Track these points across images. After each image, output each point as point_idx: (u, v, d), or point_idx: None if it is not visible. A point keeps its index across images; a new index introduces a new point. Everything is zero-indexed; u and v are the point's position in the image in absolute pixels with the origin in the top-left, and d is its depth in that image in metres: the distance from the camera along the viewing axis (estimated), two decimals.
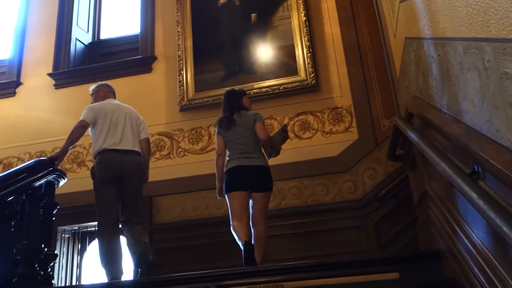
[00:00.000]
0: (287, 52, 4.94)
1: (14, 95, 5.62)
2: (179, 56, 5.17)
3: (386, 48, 3.50)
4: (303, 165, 4.53)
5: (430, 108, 2.20)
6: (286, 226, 4.31)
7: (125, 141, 3.54)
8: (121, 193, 3.44)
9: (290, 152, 4.59)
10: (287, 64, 4.90)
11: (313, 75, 4.76)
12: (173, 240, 4.44)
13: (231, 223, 3.26)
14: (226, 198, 3.34)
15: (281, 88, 4.81)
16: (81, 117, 3.59)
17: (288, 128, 4.62)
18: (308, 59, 4.82)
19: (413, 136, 2.27)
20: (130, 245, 3.36)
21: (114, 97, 3.94)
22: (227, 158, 3.45)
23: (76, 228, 4.83)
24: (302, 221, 4.31)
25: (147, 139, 3.78)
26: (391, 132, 3.04)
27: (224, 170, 3.41)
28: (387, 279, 2.29)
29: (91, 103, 3.88)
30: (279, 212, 4.38)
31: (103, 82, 4.03)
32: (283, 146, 3.63)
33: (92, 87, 3.99)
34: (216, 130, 3.56)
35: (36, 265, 2.76)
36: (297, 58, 4.87)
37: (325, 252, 4.07)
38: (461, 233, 1.90)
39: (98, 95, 3.88)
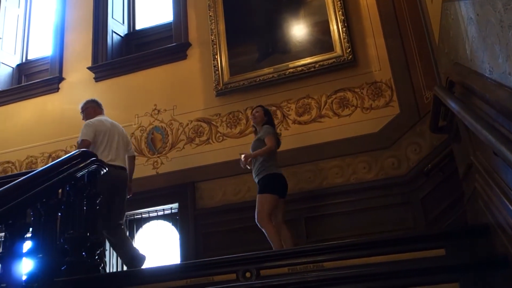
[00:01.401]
0: (322, 28, 4.80)
1: (57, 91, 5.80)
2: (212, 40, 5.14)
3: (423, 14, 3.32)
4: (343, 143, 4.42)
5: (471, 74, 2.05)
6: (328, 205, 4.25)
7: (119, 158, 3.94)
8: (111, 201, 3.73)
9: (330, 130, 4.51)
10: (322, 41, 4.77)
11: (349, 50, 4.61)
12: (216, 224, 4.49)
13: (266, 219, 3.59)
14: (269, 196, 3.64)
15: (317, 65, 4.69)
16: (82, 136, 3.82)
17: (327, 106, 4.57)
18: (344, 34, 4.66)
19: (453, 105, 2.14)
20: (121, 245, 3.77)
21: (103, 112, 4.20)
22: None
23: None
24: (345, 200, 4.23)
25: (134, 157, 4.28)
26: (432, 103, 2.89)
27: (275, 170, 3.75)
28: (432, 256, 2.18)
29: (82, 118, 4.16)
30: (321, 192, 4.33)
31: (90, 99, 4.27)
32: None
33: (80, 104, 4.23)
34: (275, 132, 3.97)
35: (83, 253, 2.84)
36: (332, 34, 4.73)
37: (370, 231, 3.98)
38: (510, 205, 1.78)
39: (89, 112, 4.14)
